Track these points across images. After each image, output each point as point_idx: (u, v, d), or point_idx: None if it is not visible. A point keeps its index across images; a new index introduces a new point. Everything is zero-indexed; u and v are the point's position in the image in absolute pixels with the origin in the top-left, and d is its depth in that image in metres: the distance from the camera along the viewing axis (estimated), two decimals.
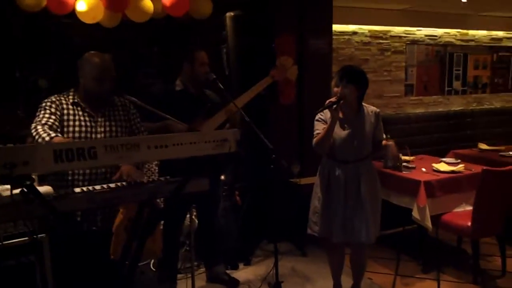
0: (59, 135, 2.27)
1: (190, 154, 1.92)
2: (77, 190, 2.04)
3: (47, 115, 2.35)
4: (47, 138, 2.17)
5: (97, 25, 3.63)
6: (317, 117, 3.04)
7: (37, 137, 2.21)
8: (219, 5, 3.89)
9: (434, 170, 3.89)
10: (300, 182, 4.26)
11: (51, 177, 2.37)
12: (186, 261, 3.78)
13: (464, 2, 4.88)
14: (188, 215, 3.41)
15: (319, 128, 2.98)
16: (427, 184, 3.56)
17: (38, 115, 2.36)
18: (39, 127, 2.26)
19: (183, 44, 3.25)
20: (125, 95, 2.50)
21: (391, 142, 3.70)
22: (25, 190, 1.65)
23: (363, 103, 3.03)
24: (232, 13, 3.91)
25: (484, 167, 3.43)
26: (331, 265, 3.29)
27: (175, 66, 3.39)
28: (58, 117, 2.38)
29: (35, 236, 2.31)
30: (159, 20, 3.87)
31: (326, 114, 2.96)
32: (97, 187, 2.06)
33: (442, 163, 4.05)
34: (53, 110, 2.38)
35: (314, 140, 2.98)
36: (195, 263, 3.86)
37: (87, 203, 1.95)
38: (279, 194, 4.24)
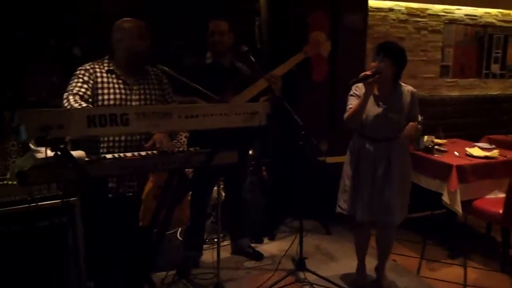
0: (90, 106, 2.28)
1: (220, 125, 1.92)
2: (109, 156, 2.07)
3: (79, 84, 2.36)
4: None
5: None
6: (351, 92, 2.99)
7: (67, 106, 2.23)
8: None
9: (467, 155, 3.79)
10: (327, 160, 4.22)
11: (85, 144, 2.42)
12: (212, 232, 3.84)
13: None
14: (215, 187, 3.44)
15: (352, 102, 2.93)
16: (460, 168, 3.48)
17: (71, 83, 2.37)
18: (70, 97, 2.28)
19: (214, 15, 3.21)
20: (157, 64, 2.50)
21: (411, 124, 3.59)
22: (59, 153, 1.68)
23: (400, 82, 2.94)
24: None
25: None
26: (356, 244, 3.27)
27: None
28: (90, 85, 2.38)
29: (67, 199, 2.36)
30: None
31: (360, 90, 2.91)
32: (128, 154, 2.08)
33: (476, 148, 3.94)
34: (86, 78, 2.38)
35: (346, 114, 2.94)
36: (221, 235, 3.92)
37: (118, 169, 1.97)
38: (306, 172, 4.21)
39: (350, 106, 2.93)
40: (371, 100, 2.87)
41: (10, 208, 2.28)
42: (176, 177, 2.13)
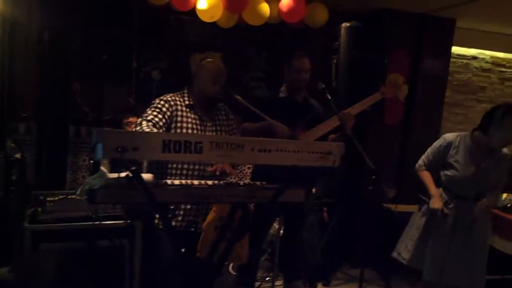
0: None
1: (292, 162, 1.86)
2: (176, 182, 2.07)
3: (155, 113, 2.38)
4: None
5: (211, 25, 3.73)
6: (438, 145, 2.88)
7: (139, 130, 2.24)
8: (336, 15, 3.81)
9: None
10: (395, 208, 4.01)
11: (153, 165, 2.43)
12: (264, 269, 3.72)
13: None
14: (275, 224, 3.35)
15: (433, 157, 2.86)
16: None
17: (148, 111, 2.40)
18: (144, 122, 2.31)
19: (293, 51, 3.21)
20: (233, 93, 2.50)
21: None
22: (131, 175, 1.68)
23: None
24: (348, 24, 3.80)
25: None
26: None
27: (281, 73, 3.37)
28: (167, 117, 2.39)
29: (130, 221, 2.37)
30: (272, 25, 3.88)
31: (450, 144, 2.80)
32: (195, 182, 2.07)
33: None
34: (164, 109, 2.40)
35: (420, 170, 2.89)
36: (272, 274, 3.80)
37: (184, 197, 1.95)
38: (370, 218, 4.02)
39: (425, 162, 2.88)
40: (467, 154, 2.74)
41: (75, 223, 2.32)
42: (240, 210, 2.08)
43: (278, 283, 3.62)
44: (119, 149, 1.55)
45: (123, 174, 1.70)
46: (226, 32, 3.91)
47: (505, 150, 2.77)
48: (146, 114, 2.38)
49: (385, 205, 4.06)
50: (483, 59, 4.86)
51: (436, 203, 2.73)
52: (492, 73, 4.94)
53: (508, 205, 3.62)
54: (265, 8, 3.62)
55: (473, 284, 2.72)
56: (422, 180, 2.90)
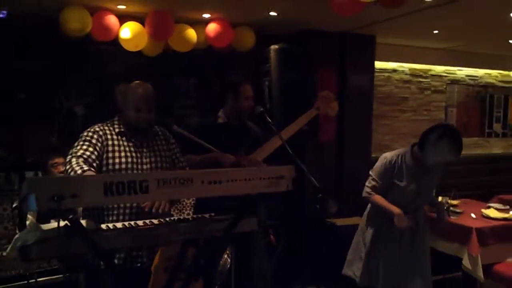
0: (92, 169, 2.10)
1: (245, 191, 1.78)
2: (119, 225, 1.91)
3: (84, 147, 2.21)
4: (79, 172, 2.02)
5: (136, 53, 3.60)
6: (382, 166, 2.87)
7: (69, 170, 2.06)
8: (262, 38, 3.84)
9: (484, 216, 3.65)
10: (337, 223, 4.05)
11: (89, 211, 2.23)
12: None
13: (510, 43, 4.73)
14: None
15: (380, 178, 2.85)
16: (479, 231, 3.32)
17: (76, 145, 2.23)
18: (73, 160, 2.12)
19: (223, 76, 3.16)
20: (173, 125, 2.38)
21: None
22: (69, 224, 1.51)
23: None
24: (276, 46, 3.84)
25: None
26: None
27: (213, 98, 3.31)
28: (98, 148, 2.23)
29: (69, 274, 2.15)
30: (199, 51, 3.82)
31: (393, 163, 2.84)
32: (140, 222, 1.92)
33: (492, 209, 3.80)
34: (93, 141, 2.24)
35: (370, 196, 2.87)
36: None
37: (130, 241, 1.80)
38: (316, 235, 4.03)
39: (375, 184, 2.87)
40: (409, 172, 2.80)
41: (6, 285, 2.05)
42: (191, 248, 1.95)
43: None
44: (55, 198, 1.39)
45: (55, 224, 1.54)
46: (153, 60, 3.78)
47: None
48: (75, 150, 2.18)
49: (328, 220, 4.09)
50: (402, 71, 5.13)
51: (401, 221, 2.69)
52: (412, 84, 5.23)
53: (445, 208, 3.77)
54: (191, 34, 3.56)
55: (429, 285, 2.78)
56: (377, 204, 2.84)
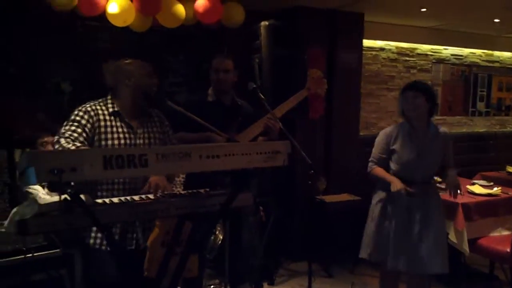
0: (84, 147, 2.07)
1: (242, 165, 1.79)
2: (115, 200, 1.91)
3: (73, 127, 2.14)
4: (72, 148, 1.99)
5: (124, 29, 3.53)
6: (379, 140, 2.94)
7: (60, 149, 2.00)
8: (252, 15, 3.79)
9: (469, 192, 3.74)
10: (326, 200, 4.11)
11: (81, 187, 2.21)
12: (208, 278, 3.62)
13: (496, 22, 4.78)
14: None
15: (379, 151, 2.91)
16: (465, 206, 3.41)
17: (65, 125, 2.15)
18: (62, 140, 2.06)
19: (212, 53, 3.12)
20: (167, 101, 2.36)
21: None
22: (69, 198, 1.51)
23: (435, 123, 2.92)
24: (267, 22, 3.80)
25: None
26: None
27: (203, 76, 3.28)
28: (88, 130, 2.17)
29: (66, 249, 2.14)
30: (188, 27, 3.76)
31: (389, 135, 2.89)
32: (136, 197, 1.93)
33: (477, 186, 3.90)
34: (83, 122, 2.17)
35: (372, 169, 2.91)
36: (217, 281, 3.70)
37: (128, 215, 1.80)
38: (306, 211, 4.09)
39: (374, 159, 2.93)
40: (407, 137, 2.83)
41: (3, 259, 2.03)
42: (188, 222, 1.97)
43: None
44: (55, 171, 1.39)
45: (56, 198, 1.53)
46: (141, 36, 3.72)
47: (443, 128, 2.92)
48: (63, 131, 2.12)
49: (317, 197, 4.15)
50: (389, 50, 5.15)
51: (396, 185, 2.71)
52: (399, 63, 5.26)
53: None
54: (180, 9, 3.50)
55: (445, 264, 2.79)
56: (377, 176, 2.88)
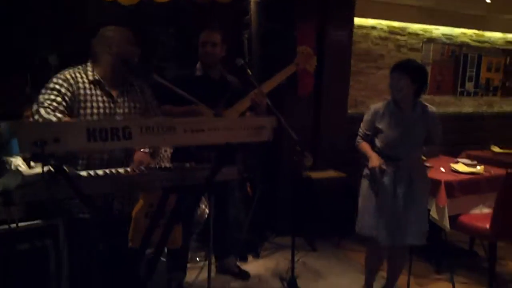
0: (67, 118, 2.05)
1: (226, 140, 1.82)
2: (100, 172, 1.92)
3: (52, 96, 2.09)
4: (54, 120, 1.97)
5: (112, 2, 3.48)
6: (367, 116, 3.00)
7: (39, 120, 1.97)
8: None
9: (453, 170, 3.81)
10: (312, 176, 4.16)
11: (61, 160, 2.22)
12: (194, 251, 3.69)
13: (488, 3, 4.77)
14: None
15: (365, 128, 2.98)
16: (448, 184, 3.48)
17: (43, 94, 2.10)
18: (41, 110, 2.03)
19: (202, 28, 3.10)
20: (153, 74, 2.36)
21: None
22: (52, 169, 1.53)
23: (424, 102, 2.94)
24: None
25: (509, 170, 3.34)
26: (368, 266, 3.22)
27: (192, 51, 3.26)
28: (67, 98, 2.12)
29: (50, 220, 2.16)
30: (179, 1, 3.73)
31: (377, 112, 2.94)
32: (121, 170, 1.94)
33: (460, 164, 3.97)
34: (63, 90, 2.12)
35: (358, 144, 3.02)
36: (203, 253, 3.77)
37: (111, 187, 1.83)
38: (292, 187, 4.13)
39: (361, 134, 3.01)
40: (392, 117, 2.87)
41: None
42: (173, 195, 2.00)
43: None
44: (38, 143, 1.40)
45: (38, 170, 1.55)
46: (129, 10, 3.67)
47: (431, 107, 2.94)
48: (42, 100, 2.07)
49: (303, 173, 4.19)
50: (381, 28, 5.14)
51: (373, 162, 2.82)
52: (389, 41, 5.26)
53: None
54: None
55: (423, 236, 2.90)
56: (361, 151, 2.97)
